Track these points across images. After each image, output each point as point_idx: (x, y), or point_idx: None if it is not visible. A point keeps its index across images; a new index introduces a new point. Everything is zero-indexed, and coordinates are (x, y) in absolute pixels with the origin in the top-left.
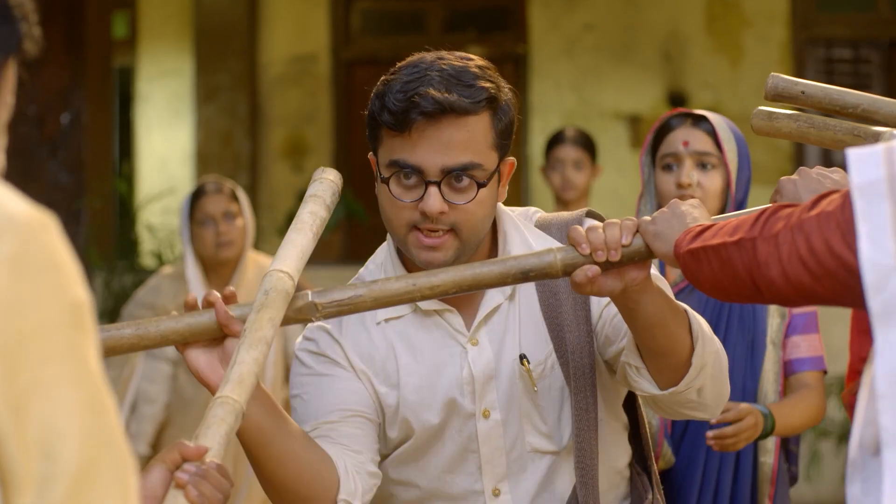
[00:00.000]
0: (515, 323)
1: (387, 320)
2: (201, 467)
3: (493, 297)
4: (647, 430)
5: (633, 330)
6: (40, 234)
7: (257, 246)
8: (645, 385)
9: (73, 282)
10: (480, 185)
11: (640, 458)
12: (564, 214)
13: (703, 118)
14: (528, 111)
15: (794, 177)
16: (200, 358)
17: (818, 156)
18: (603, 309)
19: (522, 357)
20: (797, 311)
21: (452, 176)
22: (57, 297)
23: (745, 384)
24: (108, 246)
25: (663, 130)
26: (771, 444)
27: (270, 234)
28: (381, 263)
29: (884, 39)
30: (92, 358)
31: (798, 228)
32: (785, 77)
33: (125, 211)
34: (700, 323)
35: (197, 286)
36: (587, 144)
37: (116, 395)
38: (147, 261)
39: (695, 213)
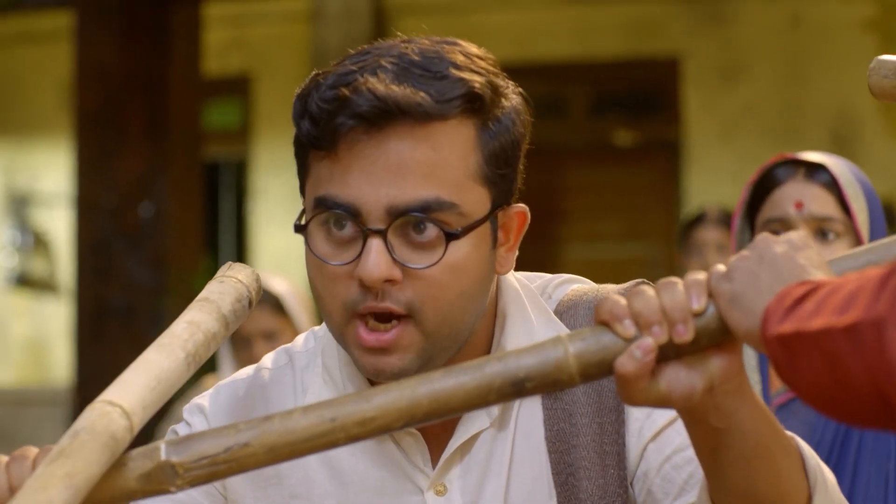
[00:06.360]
0: (504, 460)
1: None
2: None
3: (474, 418)
4: None
5: (718, 470)
6: None
7: None
8: None
9: None
10: (451, 237)
11: None
12: (606, 288)
13: (821, 167)
14: (684, 202)
15: None
16: None
17: None
18: (646, 444)
19: None
20: None
21: (407, 222)
22: None
23: None
24: None
25: (767, 184)
26: None
27: None
28: (318, 346)
29: None
30: None
31: None
32: None
33: None
34: (816, 458)
35: None
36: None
37: None
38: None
39: (799, 260)
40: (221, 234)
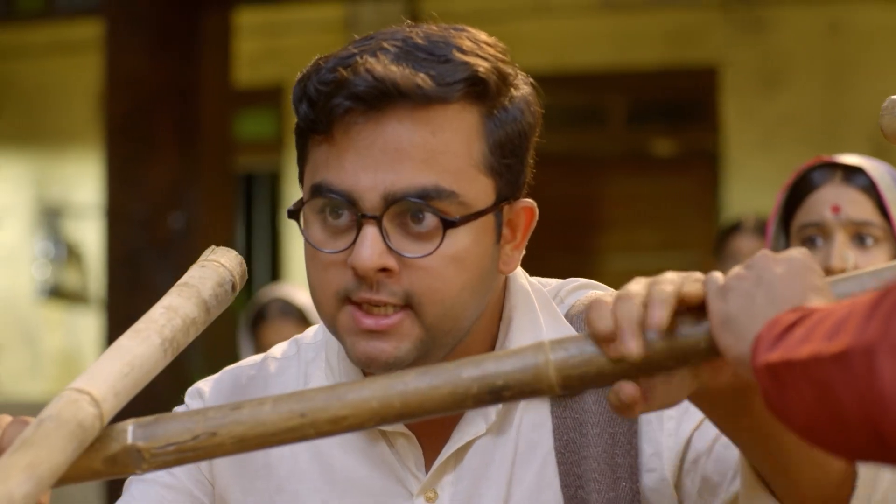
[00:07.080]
0: (504, 467)
1: None
2: None
3: (472, 422)
4: None
5: (750, 447)
6: None
7: None
8: None
9: None
10: (449, 225)
11: None
12: None
13: (859, 170)
14: (723, 212)
15: None
16: None
17: None
18: (690, 436)
19: None
20: None
21: (405, 209)
22: None
23: None
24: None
25: (802, 188)
26: None
27: None
28: (325, 339)
29: None
30: None
31: None
32: None
33: None
34: None
35: None
36: None
37: None
38: None
39: (798, 284)
40: (255, 245)
